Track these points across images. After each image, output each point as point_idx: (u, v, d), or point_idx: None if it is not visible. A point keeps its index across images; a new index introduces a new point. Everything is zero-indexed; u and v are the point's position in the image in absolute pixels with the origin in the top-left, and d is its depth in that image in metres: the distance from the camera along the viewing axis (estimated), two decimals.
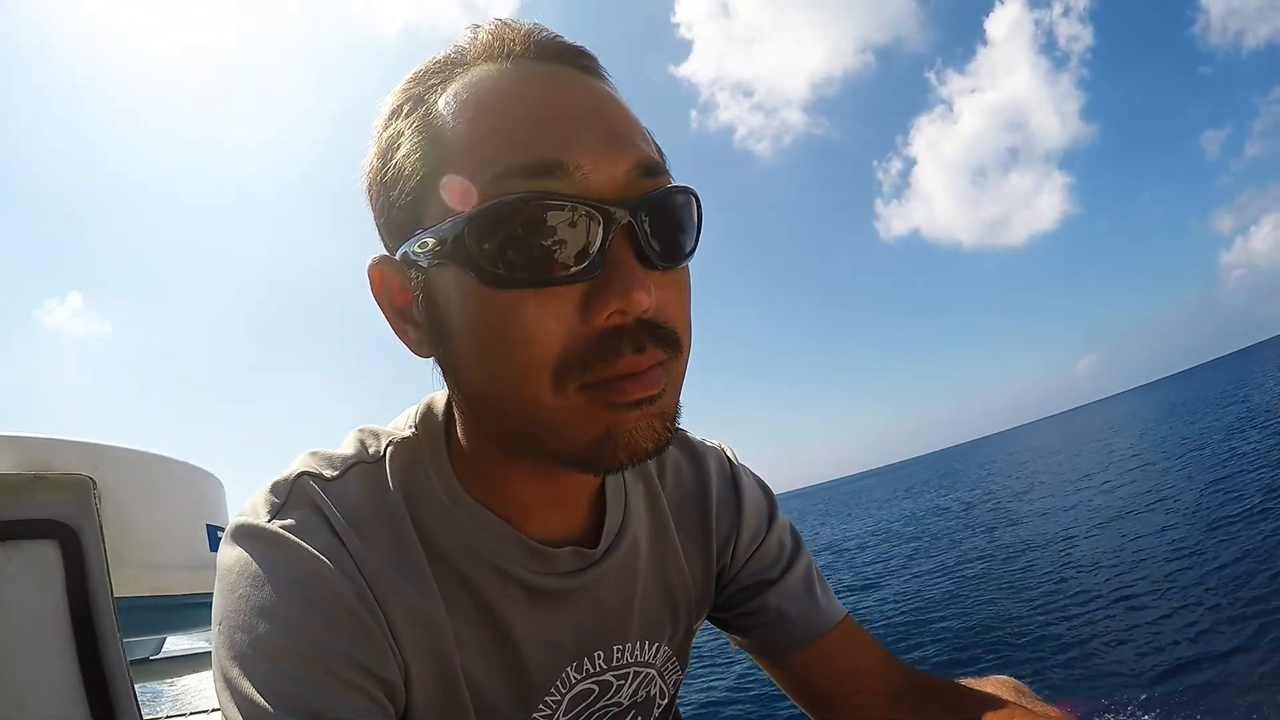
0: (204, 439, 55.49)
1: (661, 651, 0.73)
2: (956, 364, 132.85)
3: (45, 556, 1.38)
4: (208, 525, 2.03)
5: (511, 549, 0.61)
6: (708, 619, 0.82)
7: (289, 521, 0.54)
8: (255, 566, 0.52)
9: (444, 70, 0.54)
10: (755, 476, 0.84)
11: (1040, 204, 61.83)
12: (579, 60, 0.55)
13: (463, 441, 0.62)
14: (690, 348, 0.54)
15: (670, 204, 0.51)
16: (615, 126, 0.50)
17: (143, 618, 1.67)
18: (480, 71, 0.52)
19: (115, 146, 51.01)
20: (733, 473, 0.81)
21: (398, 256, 0.54)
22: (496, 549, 0.61)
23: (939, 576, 13.96)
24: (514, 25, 0.55)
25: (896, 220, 51.95)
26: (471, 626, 0.61)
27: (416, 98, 0.53)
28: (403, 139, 0.52)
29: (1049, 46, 55.09)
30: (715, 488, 0.78)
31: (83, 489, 1.55)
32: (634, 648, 0.70)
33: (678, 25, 37.77)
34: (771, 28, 45.80)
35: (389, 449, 0.62)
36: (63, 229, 51.22)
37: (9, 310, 49.96)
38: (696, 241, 0.54)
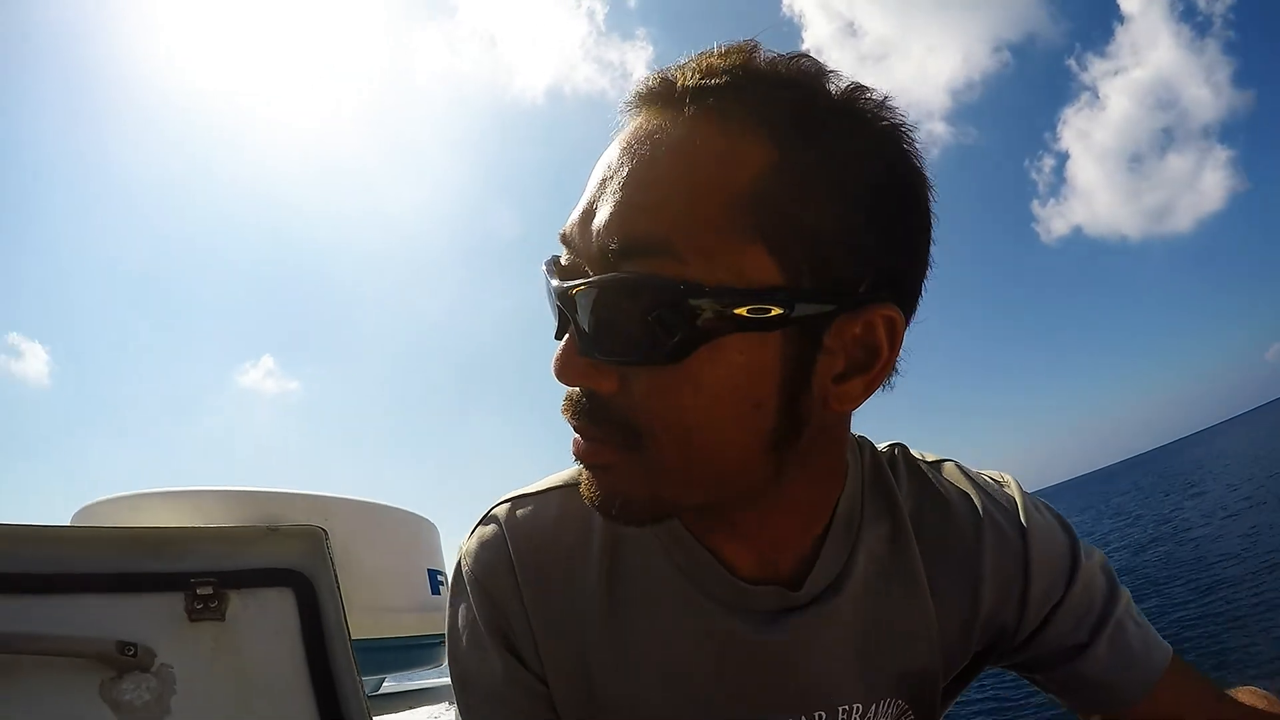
0: (390, 481, 78.37)
1: (894, 705, 0.66)
2: (1129, 367, 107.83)
3: (281, 603, 1.48)
4: (428, 570, 2.14)
5: (705, 576, 0.61)
6: (1009, 668, 0.73)
7: (476, 535, 0.66)
8: (455, 579, 0.67)
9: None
10: (1051, 517, 0.69)
11: (1204, 184, 50.17)
12: (690, 98, 0.49)
13: None
14: (672, 450, 0.50)
15: (585, 298, 0.47)
16: (617, 196, 0.48)
17: (369, 659, 1.76)
18: (624, 124, 0.52)
19: (293, 222, 73.91)
20: (1020, 516, 0.68)
21: None
22: (690, 574, 0.61)
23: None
24: (673, 68, 0.51)
25: (1056, 220, 45.76)
26: (640, 652, 0.62)
27: None
28: None
29: (1188, 12, 44.55)
30: (989, 534, 0.66)
31: (315, 539, 1.67)
32: (860, 708, 0.64)
33: (807, 52, 35.41)
34: (901, 41, 43.00)
35: None
36: (252, 301, 72.28)
37: (212, 375, 72.26)
38: (658, 342, 0.46)
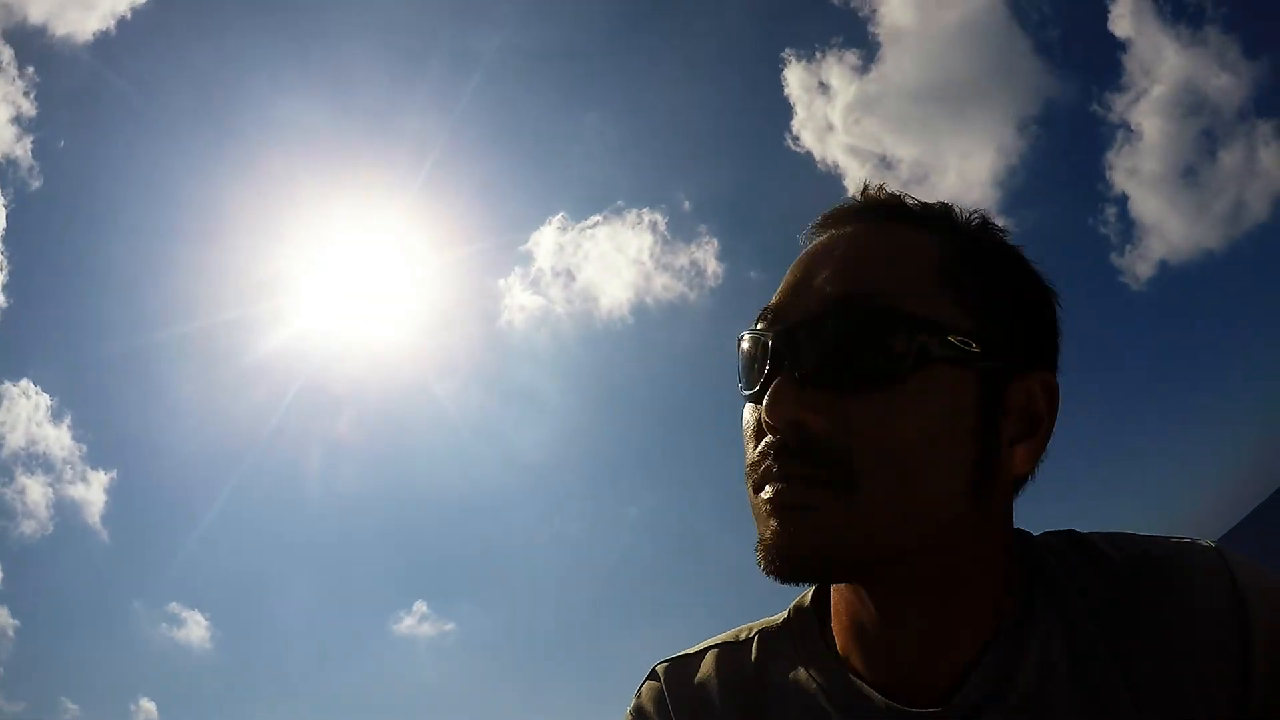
0: (551, 697, 54.14)
1: None
2: (1236, 409, 48.32)
3: None
4: None
5: (842, 695, 0.58)
6: None
7: (641, 688, 0.69)
8: None
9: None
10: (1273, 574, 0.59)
11: (1263, 164, 36.21)
12: (872, 213, 0.60)
13: None
14: (888, 486, 0.51)
15: (822, 322, 0.53)
16: (830, 267, 0.55)
17: None
18: (807, 244, 0.61)
19: (424, 474, 46.86)
20: (1229, 582, 0.57)
21: None
22: (830, 695, 0.59)
23: None
24: (851, 200, 0.62)
25: (1139, 265, 35.94)
26: None
27: None
28: None
29: (1176, 12, 34.37)
30: (1186, 608, 0.57)
31: None
32: None
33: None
34: (934, 158, 35.89)
35: (760, 631, 0.67)
36: (396, 553, 54.50)
37: (368, 627, 53.66)
38: (881, 363, 0.52)
